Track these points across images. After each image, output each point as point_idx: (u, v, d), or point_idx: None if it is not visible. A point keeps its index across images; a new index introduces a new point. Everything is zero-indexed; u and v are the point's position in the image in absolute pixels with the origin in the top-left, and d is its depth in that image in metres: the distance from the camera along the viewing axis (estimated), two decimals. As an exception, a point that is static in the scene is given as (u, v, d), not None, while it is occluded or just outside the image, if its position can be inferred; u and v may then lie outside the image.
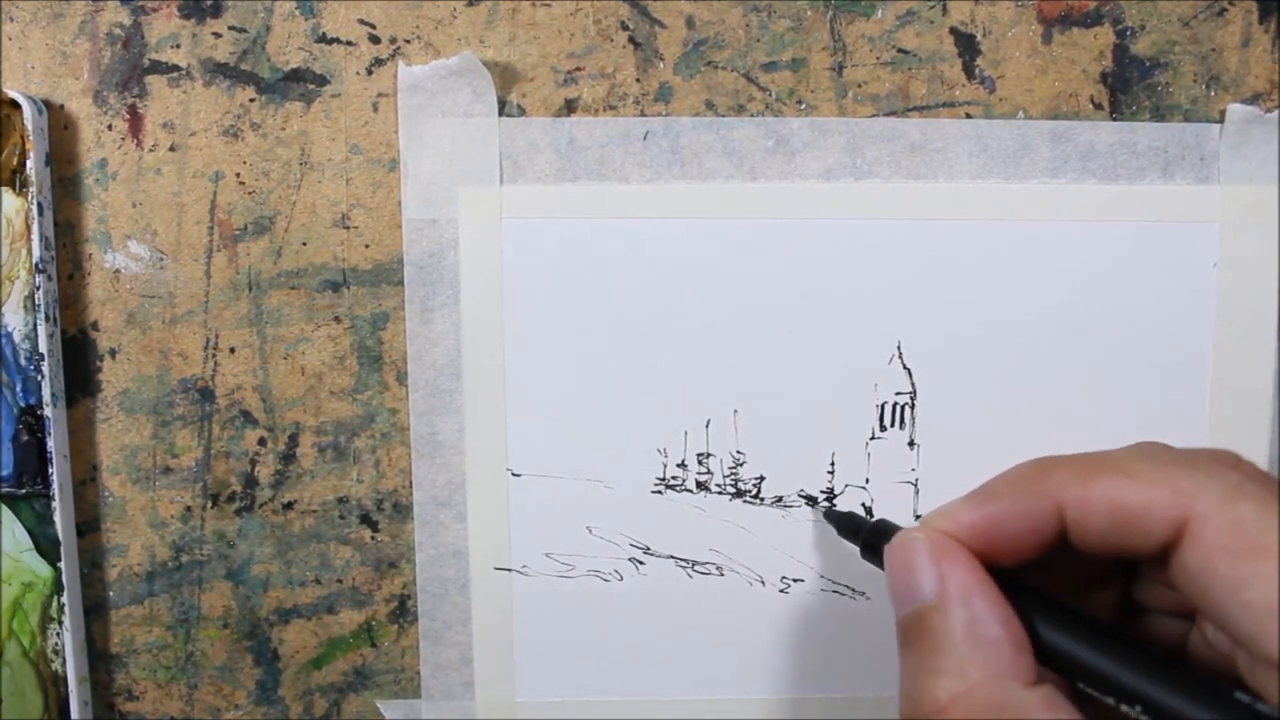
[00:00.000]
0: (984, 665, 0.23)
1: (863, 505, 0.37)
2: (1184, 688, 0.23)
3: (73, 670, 0.36)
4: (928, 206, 0.36)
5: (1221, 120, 0.36)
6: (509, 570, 0.37)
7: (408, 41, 0.36)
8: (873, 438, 0.37)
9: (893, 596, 0.26)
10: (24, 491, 0.36)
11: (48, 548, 0.36)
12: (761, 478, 0.37)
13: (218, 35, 0.36)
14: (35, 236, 0.35)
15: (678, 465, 0.37)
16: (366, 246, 0.36)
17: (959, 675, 0.23)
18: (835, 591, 0.37)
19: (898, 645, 0.26)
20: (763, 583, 0.37)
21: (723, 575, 0.37)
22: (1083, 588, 0.28)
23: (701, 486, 0.37)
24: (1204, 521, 0.23)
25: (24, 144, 0.35)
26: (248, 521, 0.37)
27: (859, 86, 0.36)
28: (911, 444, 0.37)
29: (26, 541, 0.36)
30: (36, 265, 0.35)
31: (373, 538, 0.38)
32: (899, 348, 0.37)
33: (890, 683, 0.38)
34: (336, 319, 0.37)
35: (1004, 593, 0.25)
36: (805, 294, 0.36)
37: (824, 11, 0.36)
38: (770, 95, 0.36)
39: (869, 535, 0.32)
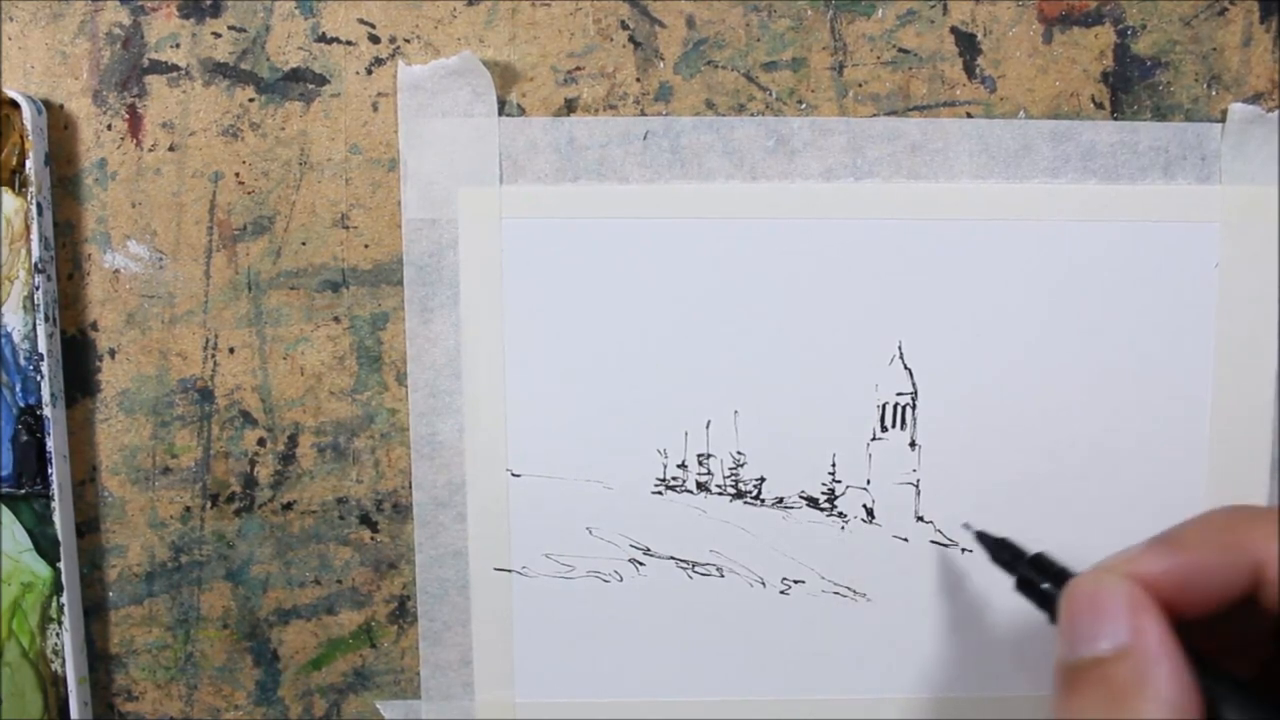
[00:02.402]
0: None
1: (864, 506, 0.37)
2: None
3: (72, 670, 0.36)
4: (928, 206, 0.36)
5: (1223, 120, 0.36)
6: (509, 571, 0.37)
7: (407, 41, 0.36)
8: (874, 438, 0.37)
9: (1066, 635, 0.25)
10: (24, 491, 0.36)
11: (47, 548, 0.36)
12: (762, 479, 0.37)
13: (217, 35, 0.36)
14: (35, 236, 0.35)
15: (678, 466, 0.37)
16: (366, 246, 0.36)
17: None
18: (835, 593, 0.37)
19: (1058, 684, 0.25)
20: (763, 584, 0.37)
21: (723, 576, 0.37)
22: (1232, 646, 0.27)
23: (702, 487, 0.37)
24: None
25: (23, 144, 0.35)
26: (247, 522, 0.37)
27: (859, 86, 0.36)
28: (913, 445, 0.37)
29: (26, 541, 0.36)
30: (36, 265, 0.35)
31: (372, 538, 0.38)
32: (900, 348, 0.36)
33: (890, 683, 0.38)
34: (336, 319, 0.37)
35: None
36: (805, 294, 0.36)
37: (824, 11, 0.36)
38: (770, 95, 0.36)
39: (1029, 569, 0.30)
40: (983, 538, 0.34)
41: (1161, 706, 0.23)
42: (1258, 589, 0.24)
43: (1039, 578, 0.30)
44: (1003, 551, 0.33)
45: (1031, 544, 0.37)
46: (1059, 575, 0.29)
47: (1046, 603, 0.29)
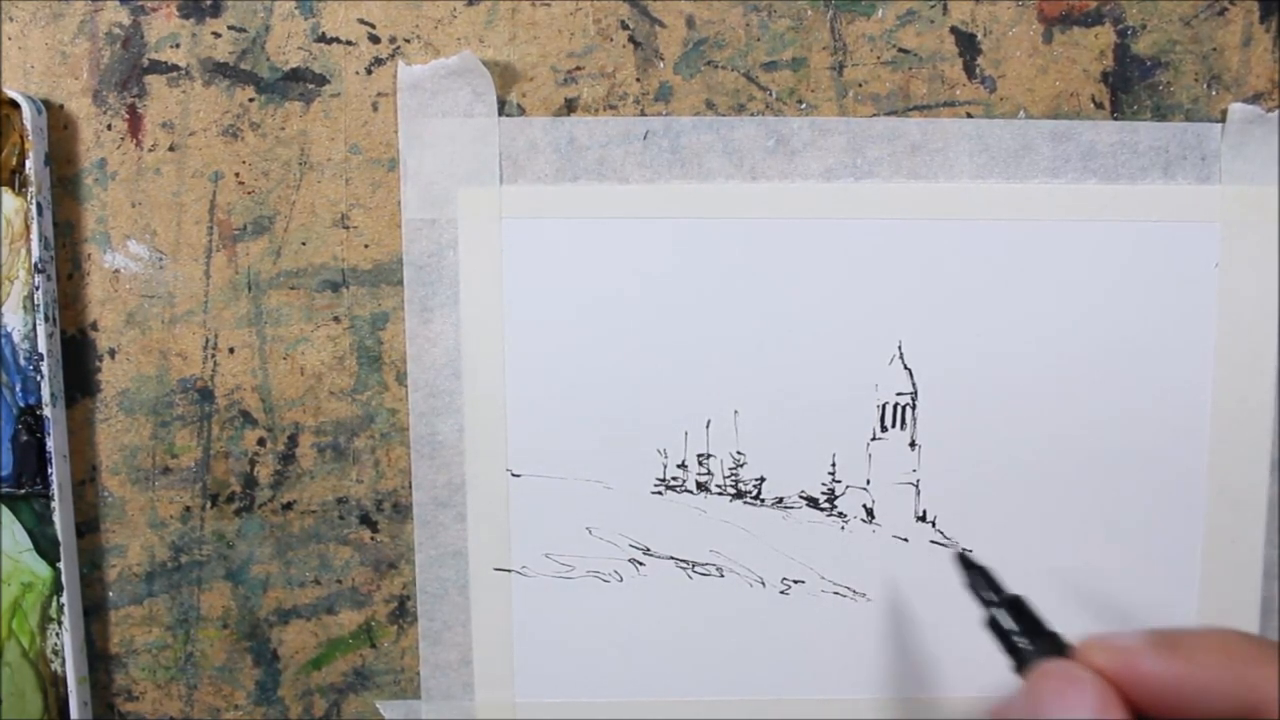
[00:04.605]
0: None
1: (864, 506, 0.37)
2: None
3: (72, 670, 0.36)
4: (928, 206, 0.36)
5: (1223, 120, 0.36)
6: (509, 571, 0.37)
7: (407, 41, 0.36)
8: (874, 438, 0.37)
9: (1020, 714, 0.25)
10: (23, 491, 0.36)
11: (47, 548, 0.36)
12: (762, 478, 0.37)
13: (217, 35, 0.36)
14: (34, 236, 0.35)
15: (678, 466, 0.37)
16: (366, 246, 0.36)
17: None
18: (836, 593, 0.37)
19: None
20: (763, 584, 0.37)
21: (723, 576, 0.37)
22: None
23: (702, 487, 0.37)
24: None
25: (23, 144, 0.35)
26: (247, 522, 0.37)
27: (859, 86, 0.36)
28: (913, 444, 0.37)
29: (26, 541, 0.36)
30: (36, 265, 0.35)
31: (372, 538, 0.38)
32: (900, 348, 0.36)
33: (890, 683, 0.38)
34: (336, 319, 0.37)
35: None
36: (805, 294, 0.36)
37: (824, 11, 0.36)
38: (770, 95, 0.36)
39: (1004, 611, 0.29)
40: (964, 561, 0.32)
41: None
42: None
43: (1014, 625, 0.28)
44: (981, 583, 0.31)
45: (1027, 546, 0.37)
46: (1033, 626, 0.28)
47: (1014, 652, 0.28)
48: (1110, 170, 0.36)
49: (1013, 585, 0.35)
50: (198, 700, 0.38)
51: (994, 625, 0.29)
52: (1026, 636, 0.28)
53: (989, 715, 0.26)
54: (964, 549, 0.33)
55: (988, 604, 0.30)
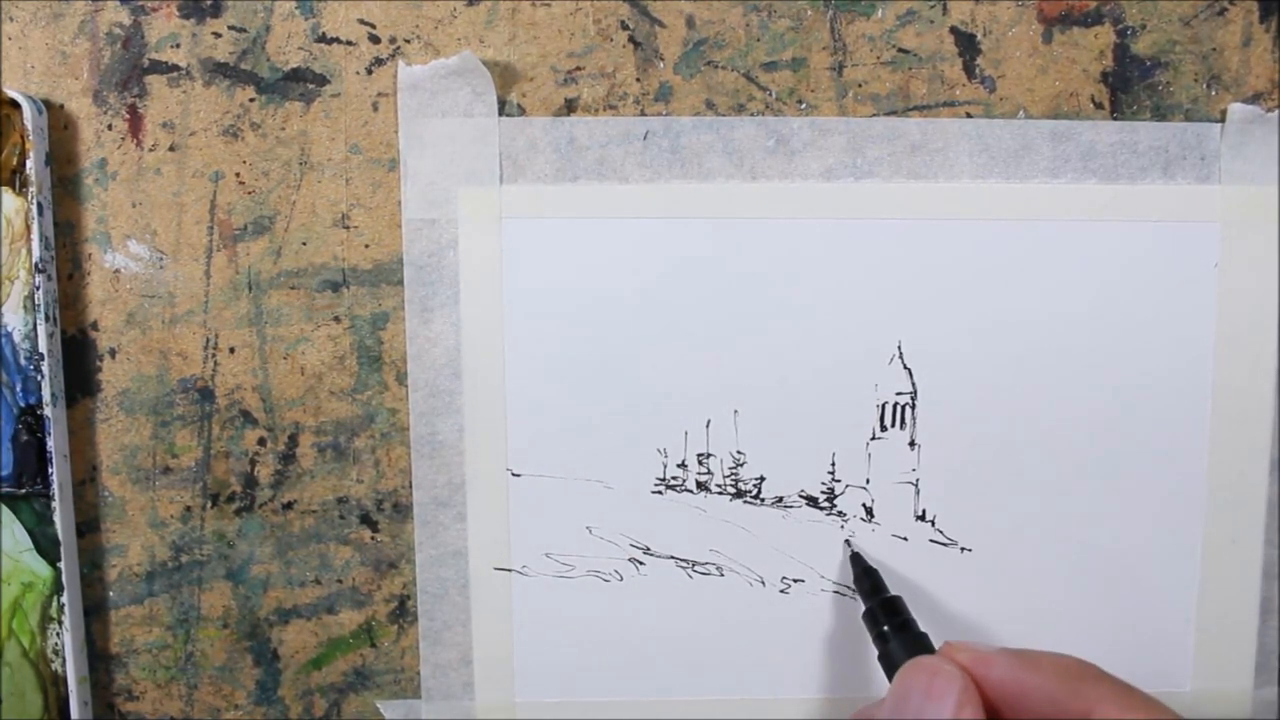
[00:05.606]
0: None
1: (863, 505, 0.37)
2: None
3: (72, 670, 0.36)
4: (928, 206, 0.36)
5: (1222, 120, 0.36)
6: (509, 570, 0.37)
7: (407, 41, 0.36)
8: (873, 438, 0.37)
9: (897, 702, 0.28)
10: (24, 491, 0.36)
11: (47, 548, 0.36)
12: (762, 478, 0.37)
13: (217, 35, 0.36)
14: (35, 236, 0.35)
15: (678, 465, 0.37)
16: (366, 246, 0.36)
17: None
18: (836, 592, 0.37)
19: None
20: (763, 583, 0.37)
21: (723, 576, 0.37)
22: None
23: (702, 487, 0.37)
24: None
25: (24, 144, 0.35)
26: (247, 521, 0.37)
27: (859, 86, 0.36)
28: (912, 444, 0.37)
29: (26, 541, 0.36)
30: (36, 265, 0.35)
31: (372, 538, 0.38)
32: (899, 348, 0.36)
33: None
34: (336, 319, 0.37)
35: None
36: (805, 294, 0.36)
37: (824, 11, 0.36)
38: (770, 95, 0.36)
39: (880, 607, 0.33)
40: (855, 559, 0.36)
41: None
42: None
43: (885, 618, 0.33)
44: (865, 579, 0.35)
45: (1027, 546, 0.38)
46: (902, 624, 0.33)
47: (882, 641, 0.33)
48: (1110, 170, 0.36)
49: (1011, 585, 0.37)
50: (198, 700, 0.38)
51: (870, 617, 0.34)
52: (897, 633, 0.32)
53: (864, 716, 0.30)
54: (857, 549, 0.36)
55: (869, 597, 0.34)
